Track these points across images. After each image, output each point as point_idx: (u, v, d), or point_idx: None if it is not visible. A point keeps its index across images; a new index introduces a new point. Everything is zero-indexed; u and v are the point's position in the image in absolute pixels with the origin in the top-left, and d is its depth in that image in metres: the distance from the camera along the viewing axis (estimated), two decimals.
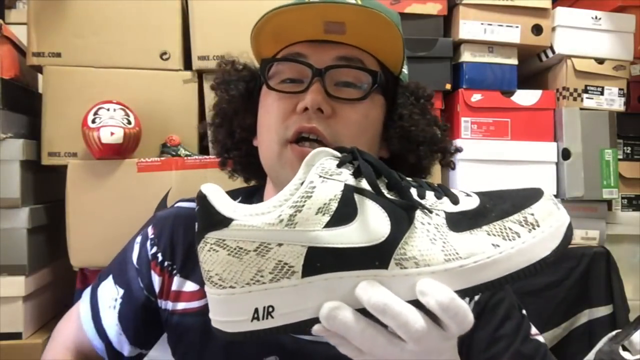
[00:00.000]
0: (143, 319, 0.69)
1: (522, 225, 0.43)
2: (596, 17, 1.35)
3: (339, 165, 0.43)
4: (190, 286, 0.68)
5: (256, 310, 0.40)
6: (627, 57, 1.37)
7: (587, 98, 1.34)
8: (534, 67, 1.43)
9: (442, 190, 0.45)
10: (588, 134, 1.32)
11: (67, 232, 1.08)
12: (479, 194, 0.46)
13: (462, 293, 0.41)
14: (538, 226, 0.43)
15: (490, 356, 0.63)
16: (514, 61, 1.33)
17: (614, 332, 0.92)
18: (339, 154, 0.44)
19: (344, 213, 0.41)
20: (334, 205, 0.41)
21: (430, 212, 0.43)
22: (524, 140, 1.31)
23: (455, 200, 0.44)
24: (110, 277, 0.72)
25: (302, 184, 0.42)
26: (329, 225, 0.40)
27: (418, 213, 0.43)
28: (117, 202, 1.08)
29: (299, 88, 0.60)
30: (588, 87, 1.34)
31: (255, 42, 0.64)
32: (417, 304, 0.40)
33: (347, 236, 0.40)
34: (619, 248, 1.34)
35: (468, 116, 1.29)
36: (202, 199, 0.42)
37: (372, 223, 0.41)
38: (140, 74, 1.16)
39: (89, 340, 0.70)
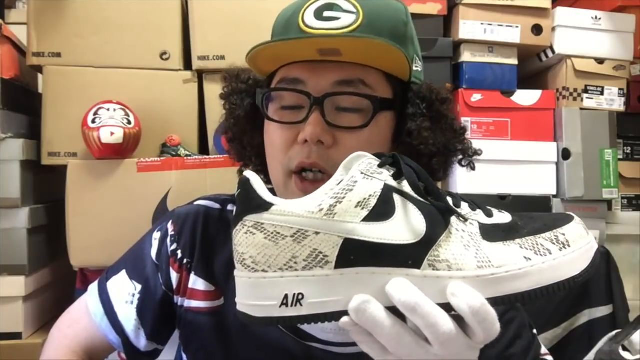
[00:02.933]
0: (161, 314, 0.69)
1: (554, 243, 0.43)
2: (596, 17, 1.34)
3: (379, 166, 0.44)
4: (201, 285, 0.68)
5: (286, 297, 0.40)
6: (627, 57, 1.37)
7: (587, 98, 1.34)
8: (534, 67, 1.43)
9: (476, 204, 0.46)
10: (588, 134, 1.32)
11: (67, 232, 1.08)
12: (511, 213, 0.47)
13: (492, 301, 0.41)
14: (569, 246, 0.44)
15: None
16: (514, 61, 1.33)
17: (614, 332, 0.92)
18: (377, 158, 0.45)
19: (383, 210, 0.42)
20: (373, 201, 0.42)
21: (465, 220, 0.44)
22: (524, 140, 1.31)
23: (489, 214, 0.45)
24: (123, 272, 0.71)
25: (339, 183, 0.43)
26: (367, 219, 0.41)
27: (453, 219, 0.44)
28: (117, 202, 1.08)
29: (299, 117, 0.59)
30: (588, 87, 1.34)
31: (252, 64, 0.63)
32: (445, 308, 0.41)
33: (383, 232, 0.41)
34: (619, 248, 1.34)
35: (468, 116, 1.29)
36: (244, 182, 0.43)
37: (409, 223, 0.42)
38: (140, 74, 1.16)
39: (103, 335, 0.69)
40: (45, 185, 1.21)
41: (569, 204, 1.31)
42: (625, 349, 0.86)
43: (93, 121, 1.05)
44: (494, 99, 1.31)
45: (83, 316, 0.71)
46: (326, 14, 0.59)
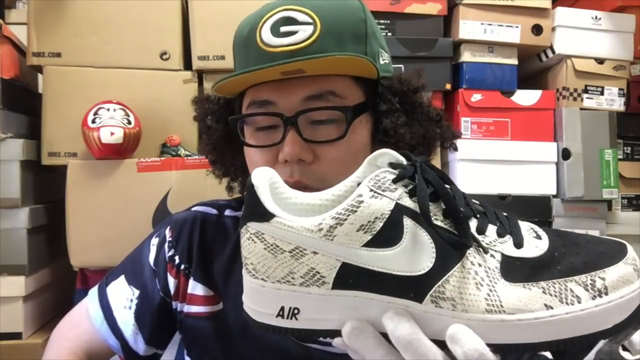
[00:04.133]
0: (159, 319, 0.69)
1: (587, 290, 0.37)
2: (596, 17, 1.34)
3: (395, 180, 0.39)
4: (200, 290, 0.68)
5: (282, 309, 0.40)
6: (627, 57, 1.37)
7: (587, 98, 1.34)
8: (534, 67, 1.43)
9: (509, 226, 0.41)
10: (588, 134, 1.32)
11: (67, 232, 1.08)
12: (552, 235, 0.41)
13: (496, 348, 0.37)
14: (606, 294, 0.37)
15: None
16: (514, 61, 1.33)
17: None
18: (403, 161, 0.41)
19: (388, 236, 0.38)
20: (378, 225, 0.38)
21: (486, 252, 0.39)
22: (524, 140, 1.31)
23: (519, 243, 0.39)
24: (122, 277, 0.72)
25: (357, 185, 0.40)
26: (369, 245, 0.38)
27: (471, 250, 0.39)
28: (117, 202, 1.08)
29: (275, 137, 0.59)
30: (588, 87, 1.34)
31: (219, 92, 0.63)
32: (442, 344, 0.37)
33: (385, 260, 0.38)
34: None
35: (468, 116, 1.29)
36: (250, 187, 0.41)
37: (416, 253, 0.38)
38: (140, 74, 1.16)
39: (102, 339, 0.70)
40: (45, 185, 1.21)
41: (569, 204, 1.31)
42: (625, 349, 0.86)
43: (93, 121, 1.05)
44: (494, 99, 1.31)
45: (83, 319, 0.71)
46: (283, 29, 0.58)
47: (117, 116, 1.07)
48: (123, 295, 0.70)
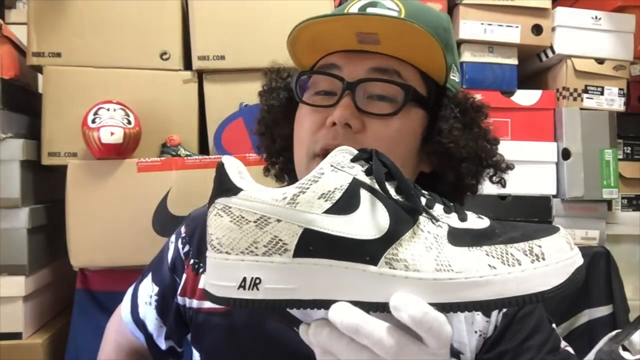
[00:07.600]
0: (177, 315, 0.71)
1: (526, 255, 0.41)
2: (596, 17, 1.35)
3: (352, 160, 0.44)
4: None
5: (244, 280, 0.41)
6: (627, 57, 1.37)
7: (587, 98, 1.34)
8: (534, 67, 1.43)
9: (455, 208, 0.45)
10: (588, 134, 1.32)
11: (67, 232, 1.08)
12: (493, 220, 0.45)
13: (444, 307, 0.40)
14: (543, 259, 0.41)
15: None
16: (514, 61, 1.33)
17: (614, 332, 0.92)
18: (352, 153, 0.45)
19: (347, 203, 0.41)
20: (337, 194, 0.42)
21: (436, 220, 0.43)
22: (524, 140, 1.32)
23: (463, 218, 0.44)
24: (150, 274, 0.75)
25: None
26: (329, 211, 0.41)
27: (422, 220, 0.42)
28: (117, 202, 1.08)
29: (331, 101, 0.59)
30: (588, 87, 1.34)
31: (292, 50, 0.63)
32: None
33: (344, 226, 0.41)
34: (619, 248, 1.34)
35: None
36: (219, 166, 0.44)
37: (372, 219, 0.41)
38: (140, 74, 1.16)
39: (130, 332, 0.75)
40: (45, 185, 1.21)
41: (569, 204, 1.31)
42: (625, 349, 0.86)
43: (93, 121, 1.05)
44: (494, 99, 1.31)
45: (118, 315, 0.78)
46: (369, 10, 0.59)
47: (117, 116, 1.07)
48: (146, 292, 0.74)
